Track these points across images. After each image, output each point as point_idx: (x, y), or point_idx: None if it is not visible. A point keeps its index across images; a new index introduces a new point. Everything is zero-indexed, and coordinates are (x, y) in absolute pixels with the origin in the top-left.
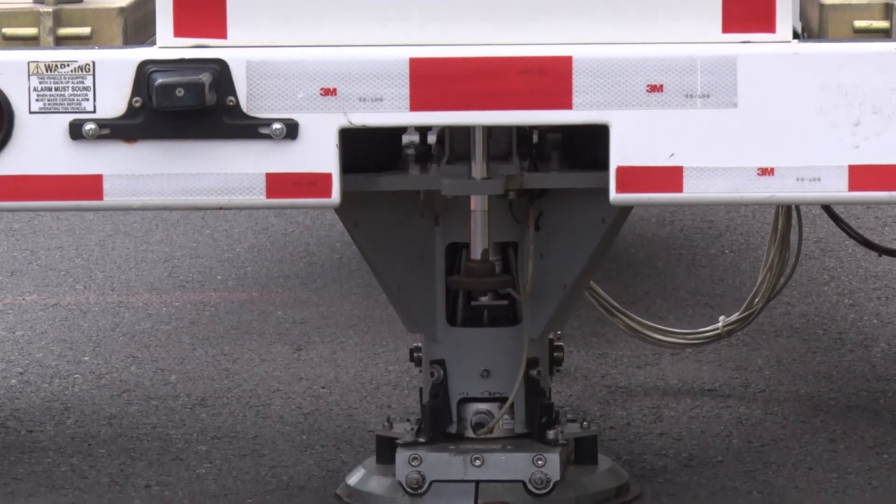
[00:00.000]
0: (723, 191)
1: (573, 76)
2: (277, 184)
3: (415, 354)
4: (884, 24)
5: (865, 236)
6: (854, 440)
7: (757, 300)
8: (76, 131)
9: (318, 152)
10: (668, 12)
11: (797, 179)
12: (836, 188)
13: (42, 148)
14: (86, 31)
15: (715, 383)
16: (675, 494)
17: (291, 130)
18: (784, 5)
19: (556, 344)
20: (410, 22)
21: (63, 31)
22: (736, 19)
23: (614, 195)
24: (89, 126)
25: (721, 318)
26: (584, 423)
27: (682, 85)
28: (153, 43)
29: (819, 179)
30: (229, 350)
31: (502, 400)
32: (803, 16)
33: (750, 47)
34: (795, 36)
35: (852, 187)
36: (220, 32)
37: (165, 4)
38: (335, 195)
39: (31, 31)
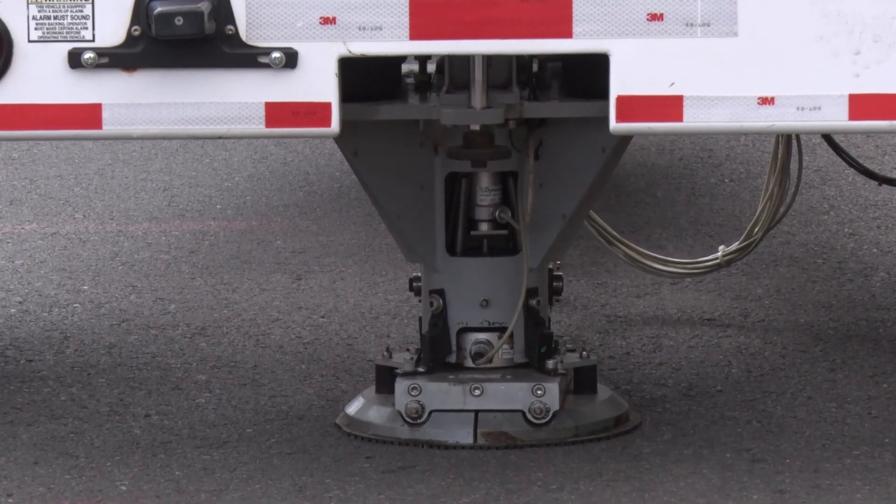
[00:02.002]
0: (723, 120)
1: (573, 4)
2: (277, 113)
3: (414, 284)
4: None
5: (865, 165)
6: (853, 369)
7: (756, 229)
8: (75, 60)
9: (318, 81)
10: None
11: (797, 108)
12: (836, 117)
13: (41, 77)
14: None
15: (714, 313)
16: (674, 424)
17: (290, 59)
18: None
19: (555, 274)
20: None
21: None
22: None
23: (614, 124)
24: (88, 55)
25: (721, 247)
26: (584, 352)
27: (683, 13)
28: None
29: (819, 108)
30: (229, 279)
31: (501, 330)
32: None
33: None
34: None
35: (852, 116)
36: None
37: None
38: (335, 124)
39: None
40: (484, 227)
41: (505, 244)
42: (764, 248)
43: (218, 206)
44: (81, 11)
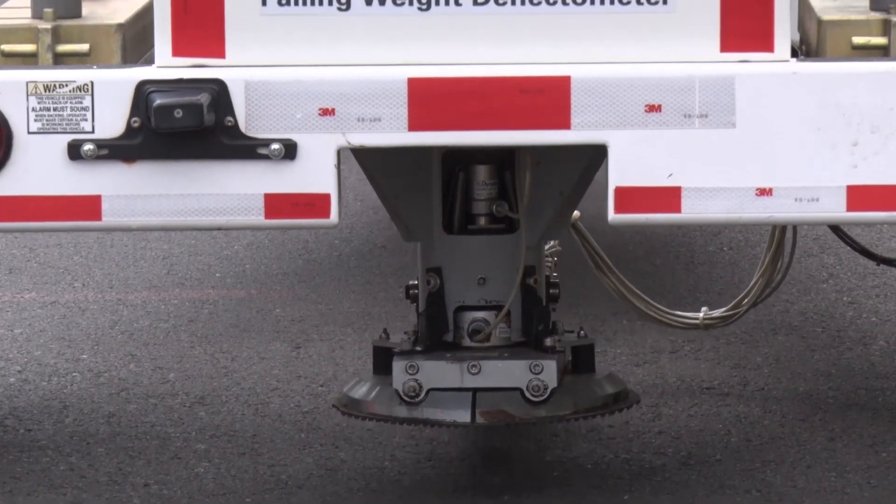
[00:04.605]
0: (721, 211)
1: (572, 96)
2: (276, 204)
3: (411, 292)
4: (882, 40)
5: (863, 242)
6: (853, 438)
7: (746, 300)
8: (75, 152)
9: (317, 173)
10: (667, 31)
11: (795, 200)
12: (834, 208)
13: (41, 168)
14: (84, 47)
15: (713, 381)
16: (673, 493)
17: (290, 151)
18: (782, 24)
19: (552, 281)
20: (409, 41)
21: (62, 47)
22: (734, 38)
23: (612, 216)
24: (88, 146)
25: (703, 309)
26: (581, 332)
27: (681, 104)
28: (152, 58)
29: (817, 200)
30: (228, 348)
31: (499, 308)
32: (801, 30)
33: (748, 66)
34: (794, 53)
35: (850, 207)
36: (219, 52)
37: (164, 24)
38: (334, 216)
39: (29, 47)
40: (482, 222)
41: (502, 222)
42: (763, 317)
43: (217, 275)
44: (81, 103)
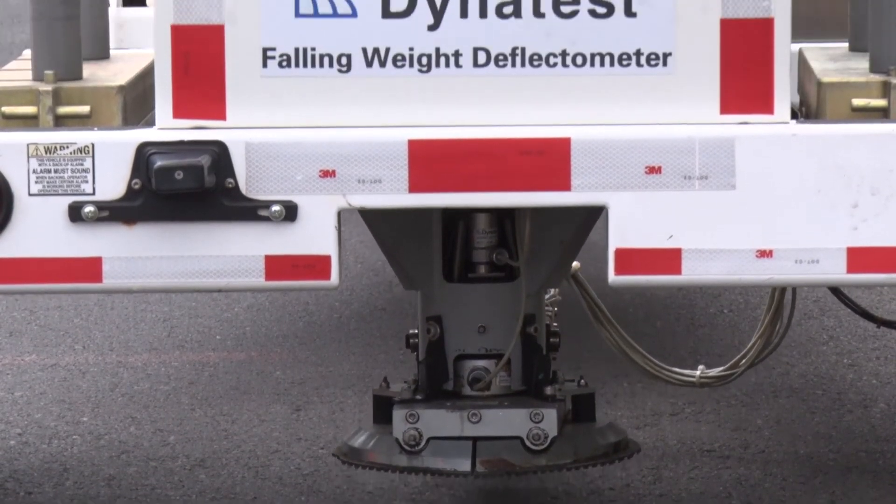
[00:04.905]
0: (721, 273)
1: (572, 157)
2: (276, 266)
3: (411, 341)
4: (881, 102)
5: (863, 305)
6: (853, 501)
7: (743, 361)
8: (75, 214)
9: (317, 234)
10: (667, 93)
11: (795, 262)
12: (834, 270)
13: (41, 230)
14: (85, 109)
15: (714, 444)
16: None
17: (290, 212)
18: (782, 86)
19: (552, 329)
20: (409, 103)
21: (62, 109)
22: (734, 100)
23: (613, 277)
24: (88, 208)
25: (700, 367)
26: (582, 381)
27: (681, 166)
28: (152, 120)
29: (817, 262)
30: (228, 410)
31: (499, 356)
32: (801, 91)
33: (748, 128)
34: (794, 115)
35: (851, 269)
36: (219, 114)
37: (164, 86)
38: (334, 277)
39: (30, 109)
40: (482, 270)
41: (502, 270)
42: (763, 379)
43: (217, 337)
44: (82, 165)
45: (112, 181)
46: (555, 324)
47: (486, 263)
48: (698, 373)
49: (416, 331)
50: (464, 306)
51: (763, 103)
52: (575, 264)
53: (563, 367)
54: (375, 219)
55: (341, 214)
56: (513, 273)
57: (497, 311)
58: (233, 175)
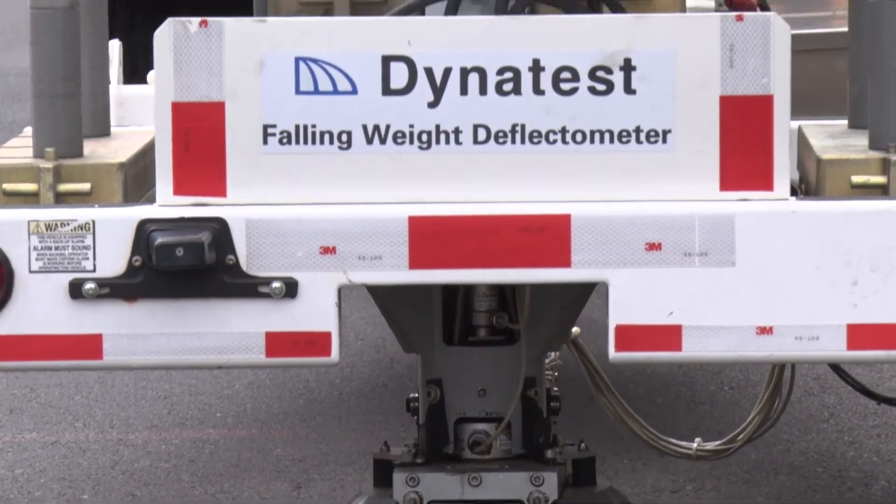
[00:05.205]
0: (722, 350)
1: (572, 234)
2: (277, 343)
3: (411, 404)
4: (881, 179)
5: (864, 382)
6: None
7: (741, 437)
8: (76, 291)
9: (318, 311)
10: (667, 170)
11: (796, 338)
12: (834, 347)
13: (42, 308)
14: (86, 186)
15: None
16: None
17: (291, 289)
18: (782, 164)
19: (553, 393)
20: (409, 180)
21: (63, 186)
22: (734, 177)
23: (613, 354)
24: (89, 285)
25: (697, 440)
26: (582, 444)
27: (681, 243)
28: (153, 196)
29: (818, 338)
30: (229, 488)
31: (499, 419)
32: (801, 168)
33: (748, 205)
34: (793, 192)
35: (851, 346)
36: (220, 191)
37: (165, 163)
38: (335, 354)
39: (31, 186)
40: (482, 333)
41: (502, 333)
42: (764, 456)
43: (218, 414)
44: (82, 242)
45: (113, 258)
46: (555, 388)
47: (486, 327)
48: (695, 445)
49: (417, 394)
50: (464, 369)
51: (763, 180)
52: (575, 330)
53: (563, 434)
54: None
55: (342, 291)
56: (513, 336)
57: (497, 374)
58: (233, 252)
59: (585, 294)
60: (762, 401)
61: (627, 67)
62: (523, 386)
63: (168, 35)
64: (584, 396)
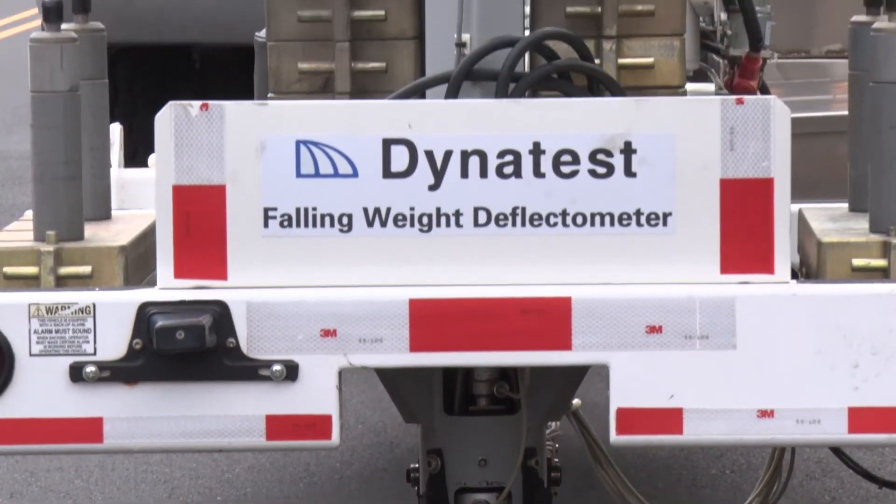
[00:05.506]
0: (723, 433)
1: (573, 317)
2: (277, 426)
3: (411, 475)
4: (882, 262)
5: (865, 465)
6: None
7: None
8: (76, 374)
9: (318, 394)
10: (667, 253)
11: (797, 421)
12: (835, 430)
13: (42, 391)
14: (86, 269)
15: None
16: None
17: (291, 372)
18: (782, 247)
19: (553, 463)
20: (410, 262)
21: (64, 269)
22: (734, 260)
23: (614, 437)
24: (90, 369)
25: None
26: None
27: (682, 326)
28: (154, 279)
29: (819, 422)
30: None
31: (500, 489)
32: (801, 251)
33: (748, 288)
34: (794, 275)
35: (852, 429)
36: (221, 274)
37: (166, 246)
38: (335, 437)
39: (31, 269)
40: (483, 403)
41: (503, 403)
42: None
43: (218, 498)
44: (83, 325)
45: (113, 341)
46: (556, 458)
47: (486, 396)
48: None
49: (417, 465)
50: (465, 439)
51: (763, 263)
52: (576, 402)
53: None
54: None
55: (342, 374)
56: (514, 406)
57: (498, 444)
58: (234, 335)
59: (585, 365)
60: (761, 483)
61: (628, 150)
62: (524, 456)
63: (169, 118)
64: (584, 468)
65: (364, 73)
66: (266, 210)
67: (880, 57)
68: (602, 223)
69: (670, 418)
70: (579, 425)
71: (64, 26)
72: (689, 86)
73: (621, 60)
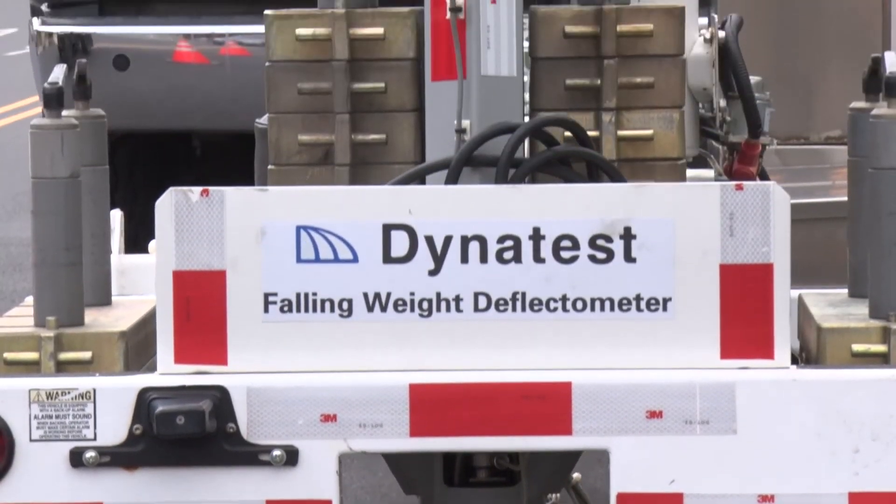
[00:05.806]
0: None
1: (573, 402)
2: None
3: None
4: (881, 347)
5: None
6: None
7: None
8: (77, 459)
9: (318, 479)
10: (667, 338)
11: None
12: None
13: (42, 476)
14: (87, 355)
15: None
16: None
17: (291, 457)
18: (782, 332)
19: None
20: (410, 347)
21: (64, 355)
22: (734, 346)
23: None
24: (90, 454)
25: None
26: None
27: (682, 411)
28: (154, 365)
29: None
30: None
31: None
32: (801, 337)
33: (748, 373)
34: (794, 360)
35: None
36: (221, 359)
37: (166, 332)
38: None
39: (32, 355)
40: (482, 474)
41: (503, 475)
42: None
43: None
44: (83, 410)
45: (113, 426)
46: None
47: (486, 468)
48: None
49: None
50: None
51: (763, 348)
52: (576, 475)
53: None
54: None
55: (342, 459)
56: (514, 477)
57: None
58: (234, 420)
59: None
60: None
61: (627, 236)
62: None
63: (170, 204)
64: None
65: (364, 145)
66: (266, 295)
67: (879, 143)
68: (602, 308)
69: (671, 503)
70: (579, 499)
71: (65, 113)
72: (689, 172)
73: (621, 132)
